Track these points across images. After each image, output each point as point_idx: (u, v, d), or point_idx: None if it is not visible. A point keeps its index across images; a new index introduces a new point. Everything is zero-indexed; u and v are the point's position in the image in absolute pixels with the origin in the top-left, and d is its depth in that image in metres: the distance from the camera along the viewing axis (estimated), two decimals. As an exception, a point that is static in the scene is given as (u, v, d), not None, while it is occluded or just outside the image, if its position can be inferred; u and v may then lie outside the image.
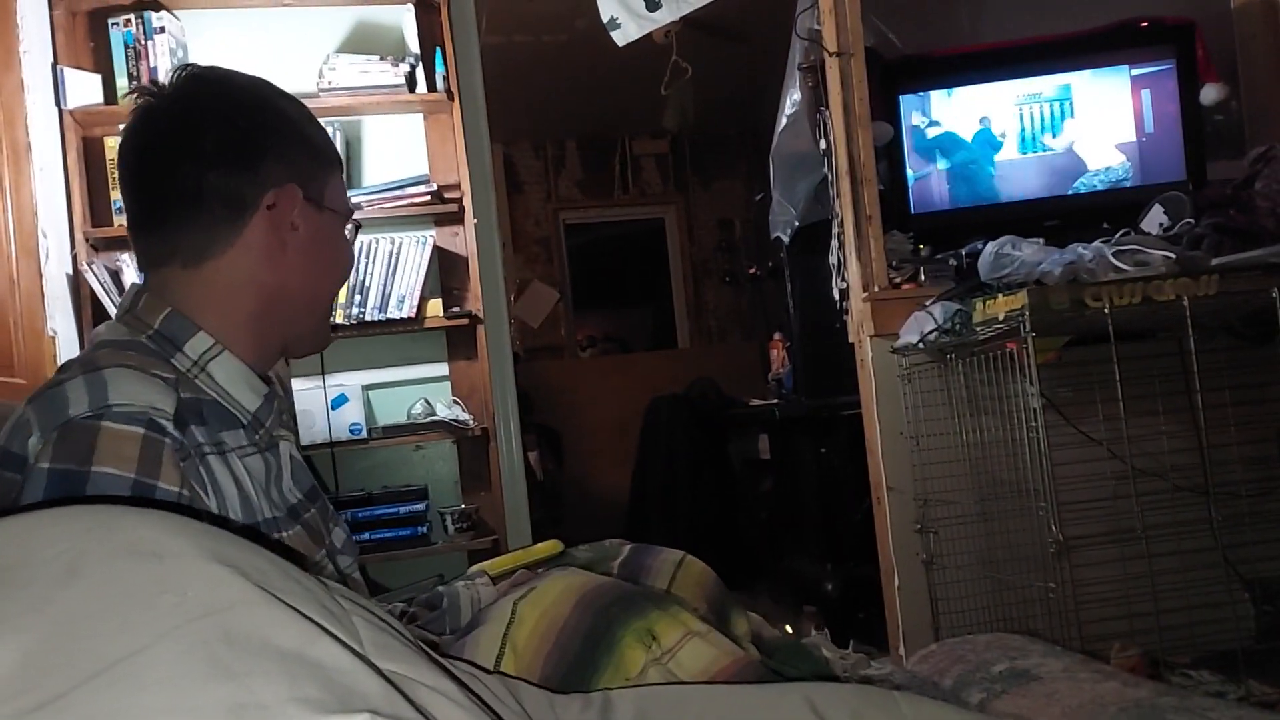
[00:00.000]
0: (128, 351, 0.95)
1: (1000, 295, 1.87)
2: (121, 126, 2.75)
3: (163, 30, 2.67)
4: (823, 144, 2.48)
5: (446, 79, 2.82)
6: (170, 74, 1.07)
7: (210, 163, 1.00)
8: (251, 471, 1.00)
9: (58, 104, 2.62)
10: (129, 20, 2.67)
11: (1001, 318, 1.84)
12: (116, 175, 2.68)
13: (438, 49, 2.82)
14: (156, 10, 2.70)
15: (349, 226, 1.12)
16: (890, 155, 2.42)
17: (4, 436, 0.88)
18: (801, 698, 0.79)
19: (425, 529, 2.79)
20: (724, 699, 0.83)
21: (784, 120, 2.65)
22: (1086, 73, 2.42)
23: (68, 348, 2.58)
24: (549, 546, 1.27)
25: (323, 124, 1.12)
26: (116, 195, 2.71)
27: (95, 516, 0.52)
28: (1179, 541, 1.98)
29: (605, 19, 2.78)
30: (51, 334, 2.48)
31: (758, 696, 0.82)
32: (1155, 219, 2.09)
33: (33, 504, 0.75)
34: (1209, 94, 2.36)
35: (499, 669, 0.89)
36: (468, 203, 2.84)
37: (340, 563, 1.11)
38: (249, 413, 1.02)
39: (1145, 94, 2.40)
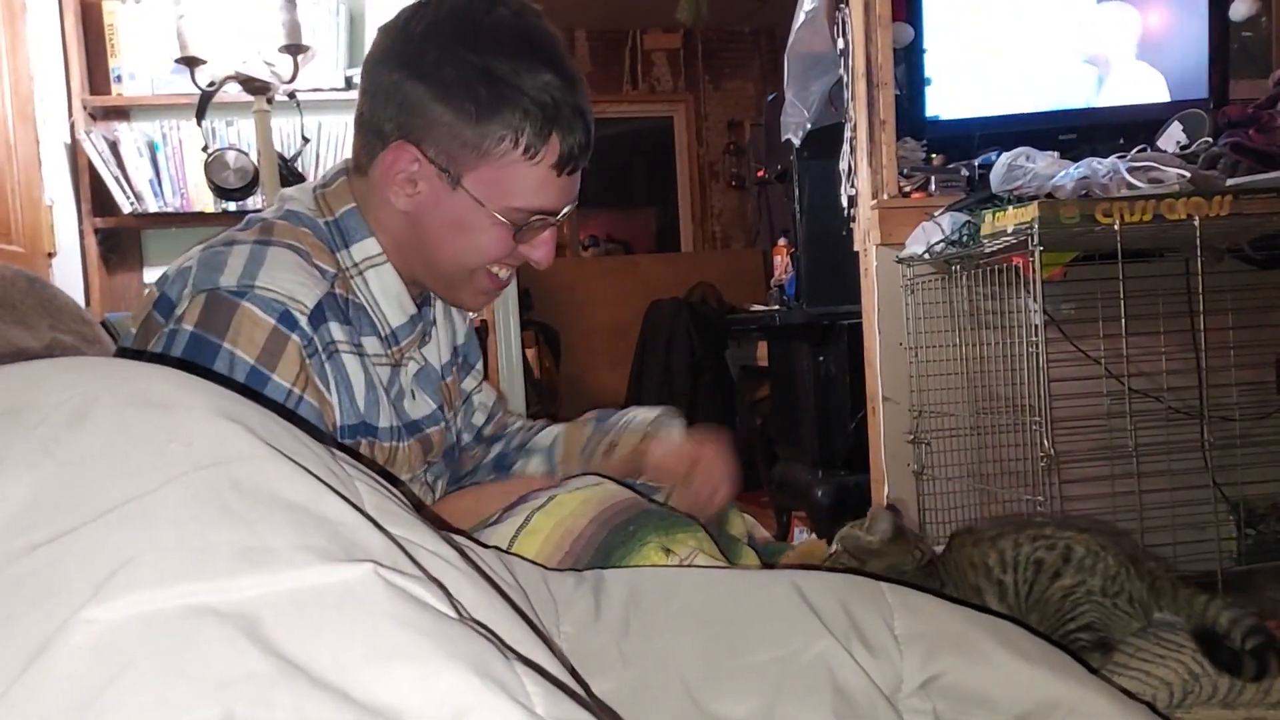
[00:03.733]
0: (303, 230, 1.00)
1: (1010, 207, 1.85)
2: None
3: (164, -109, 2.57)
4: (840, 44, 2.42)
5: (456, -42, 2.73)
6: None
7: (372, 85, 1.00)
8: (384, 380, 1.04)
9: (54, -35, 2.53)
10: (128, -122, 2.56)
11: (1010, 230, 1.82)
12: (118, 40, 2.63)
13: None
14: None
15: (522, 222, 1.01)
16: (909, 59, 2.36)
17: (172, 272, 0.96)
18: (789, 584, 0.81)
19: (422, 417, 2.81)
20: (715, 582, 0.84)
21: (802, 17, 2.57)
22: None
23: (65, 217, 2.56)
24: None
25: (573, 120, 0.97)
26: (116, 63, 2.65)
27: (106, 367, 0.53)
28: (1169, 462, 2.00)
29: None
30: (49, 203, 2.46)
31: (747, 581, 0.84)
32: (1173, 136, 2.05)
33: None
34: (1239, 9, 2.29)
35: None
36: (474, 89, 2.78)
37: (430, 474, 1.16)
38: (390, 327, 1.05)
39: (1172, 6, 2.33)
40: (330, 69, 2.73)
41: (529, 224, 1.02)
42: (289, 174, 2.52)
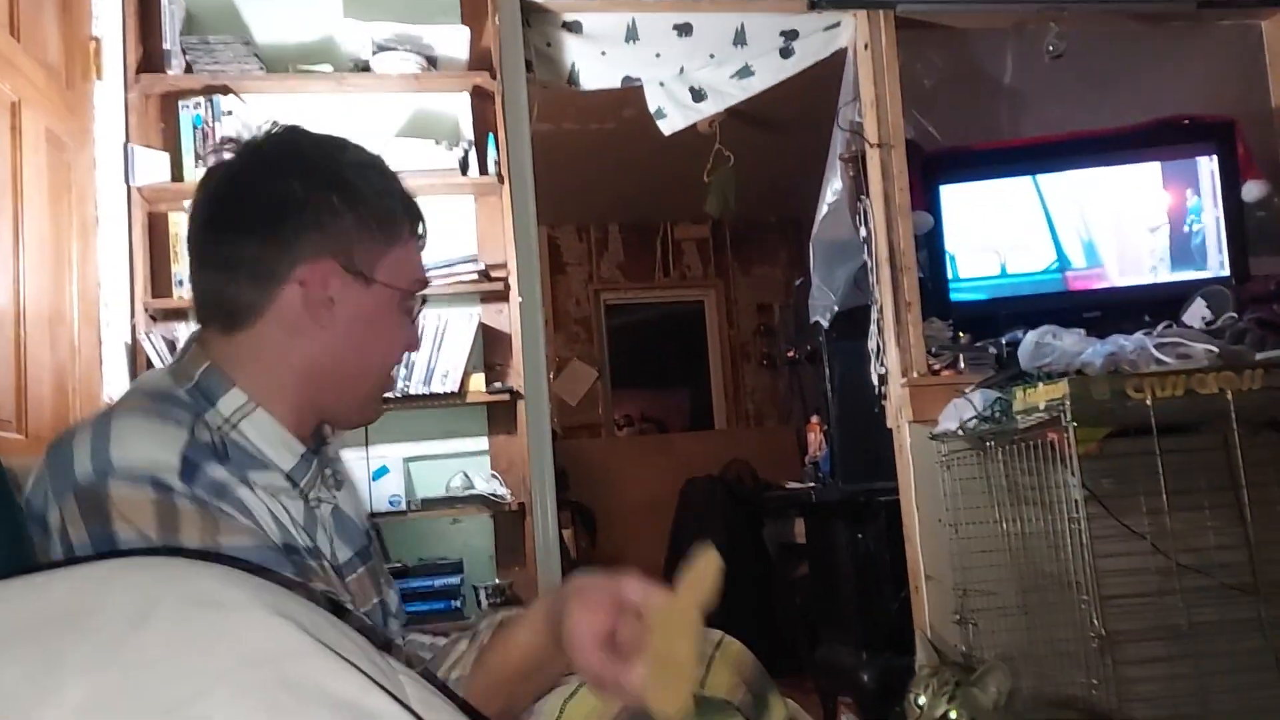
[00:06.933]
0: (153, 399, 0.95)
1: (1041, 384, 1.87)
2: (186, 203, 2.84)
3: (230, 113, 2.79)
4: (863, 232, 2.52)
5: (498, 163, 2.91)
6: (255, 131, 1.08)
7: (240, 231, 0.99)
8: (290, 509, 0.98)
9: (126, 181, 2.73)
10: (199, 104, 2.79)
11: (1042, 406, 1.84)
12: (181, 248, 2.80)
13: (490, 135, 2.92)
14: (225, 94, 2.83)
15: (413, 300, 1.07)
16: (930, 244, 2.45)
17: (29, 486, 0.91)
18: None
19: (459, 603, 2.78)
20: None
21: (824, 208, 2.70)
22: (1128, 167, 2.45)
23: (122, 413, 2.65)
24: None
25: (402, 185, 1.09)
26: (178, 268, 2.81)
27: (167, 568, 0.55)
28: (1228, 641, 1.93)
29: (652, 109, 2.88)
30: (107, 400, 2.55)
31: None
32: (1197, 312, 2.09)
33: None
34: (1251, 190, 2.38)
35: None
36: (513, 281, 2.90)
37: (392, 625, 1.13)
38: (282, 472, 0.99)
39: (1187, 190, 2.42)
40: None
41: (416, 303, 1.08)
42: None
